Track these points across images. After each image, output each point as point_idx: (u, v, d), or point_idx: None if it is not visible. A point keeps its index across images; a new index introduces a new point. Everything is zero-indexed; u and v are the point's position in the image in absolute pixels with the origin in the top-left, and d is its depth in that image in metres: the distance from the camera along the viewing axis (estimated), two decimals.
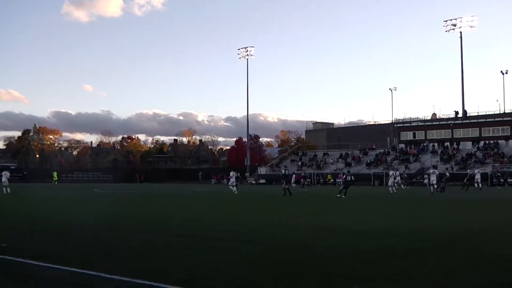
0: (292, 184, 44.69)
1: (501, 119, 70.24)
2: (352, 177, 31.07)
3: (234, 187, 36.06)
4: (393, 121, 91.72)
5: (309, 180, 59.33)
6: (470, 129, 68.86)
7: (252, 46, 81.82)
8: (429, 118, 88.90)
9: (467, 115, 75.32)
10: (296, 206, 23.29)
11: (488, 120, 69.98)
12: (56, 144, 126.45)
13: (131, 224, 14.40)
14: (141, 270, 7.47)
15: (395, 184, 38.39)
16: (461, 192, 36.57)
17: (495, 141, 65.39)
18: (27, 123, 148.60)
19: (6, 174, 36.13)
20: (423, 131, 72.89)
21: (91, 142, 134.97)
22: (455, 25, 71.31)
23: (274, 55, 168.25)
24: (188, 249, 9.71)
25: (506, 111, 79.80)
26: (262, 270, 7.59)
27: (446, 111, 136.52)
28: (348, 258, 8.57)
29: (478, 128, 68.05)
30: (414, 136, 73.08)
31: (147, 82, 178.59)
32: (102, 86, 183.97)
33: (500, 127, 66.79)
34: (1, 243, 9.91)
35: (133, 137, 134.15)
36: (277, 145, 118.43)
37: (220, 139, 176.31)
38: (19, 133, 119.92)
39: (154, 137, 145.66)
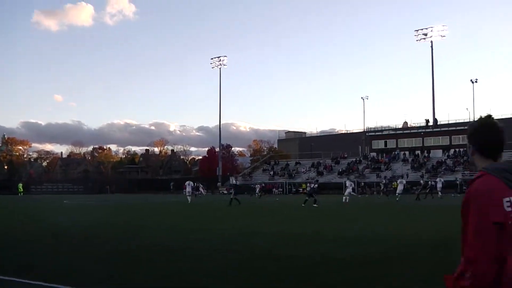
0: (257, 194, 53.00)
1: None
2: (316, 185, 33.17)
3: (189, 197, 37.24)
4: (365, 130, 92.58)
5: (281, 189, 59.39)
6: (440, 137, 70.09)
7: (225, 56, 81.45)
8: (400, 126, 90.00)
9: (438, 124, 76.60)
10: (267, 214, 23.40)
11: (458, 128, 70.90)
12: (25, 155, 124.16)
13: (105, 235, 14.25)
14: (115, 279, 7.39)
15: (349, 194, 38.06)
16: (427, 200, 36.77)
17: (465, 149, 66.56)
18: None
19: None
20: (395, 140, 73.92)
21: (61, 152, 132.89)
22: (426, 35, 72.42)
23: (246, 65, 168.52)
24: (161, 258, 9.65)
25: (475, 120, 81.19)
26: (235, 279, 7.60)
27: (417, 119, 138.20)
28: (322, 266, 8.63)
29: (448, 136, 69.26)
30: (386, 145, 74.02)
31: (118, 91, 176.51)
32: (72, 96, 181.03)
33: None
34: None
35: (104, 147, 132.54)
36: (249, 154, 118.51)
37: (192, 149, 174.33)
38: None
39: (126, 147, 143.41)
